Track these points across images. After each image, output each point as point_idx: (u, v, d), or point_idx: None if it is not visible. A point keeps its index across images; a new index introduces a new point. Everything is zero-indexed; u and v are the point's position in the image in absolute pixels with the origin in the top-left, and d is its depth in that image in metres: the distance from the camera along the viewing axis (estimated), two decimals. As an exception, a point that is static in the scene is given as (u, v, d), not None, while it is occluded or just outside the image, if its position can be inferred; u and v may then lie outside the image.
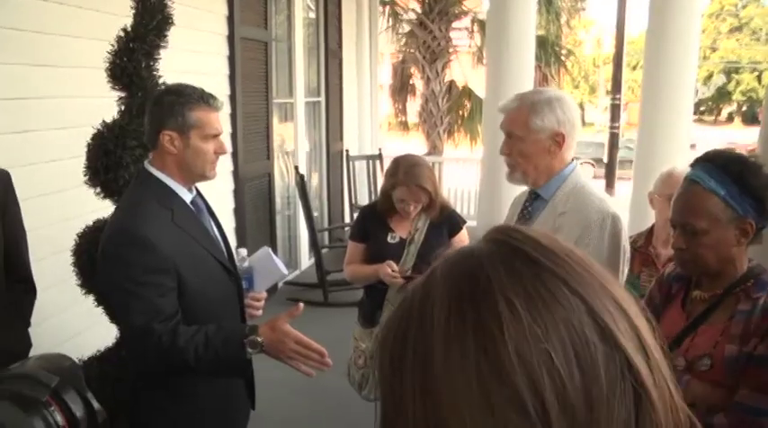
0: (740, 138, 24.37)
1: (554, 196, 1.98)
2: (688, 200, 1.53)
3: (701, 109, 37.45)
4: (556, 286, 0.48)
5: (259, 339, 1.73)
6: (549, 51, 10.79)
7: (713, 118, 39.09)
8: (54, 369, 0.74)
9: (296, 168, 6.24)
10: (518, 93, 2.06)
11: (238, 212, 5.25)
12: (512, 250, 0.50)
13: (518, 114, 1.96)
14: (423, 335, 0.49)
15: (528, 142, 1.95)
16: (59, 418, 0.70)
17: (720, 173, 1.49)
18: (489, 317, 0.46)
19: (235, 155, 5.12)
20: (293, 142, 6.58)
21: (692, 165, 1.57)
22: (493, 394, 0.45)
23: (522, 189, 2.18)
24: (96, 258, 2.20)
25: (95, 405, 0.73)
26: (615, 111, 11.71)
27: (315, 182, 7.36)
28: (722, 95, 37.50)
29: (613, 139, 11.76)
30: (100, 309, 2.58)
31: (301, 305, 1.82)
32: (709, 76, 36.05)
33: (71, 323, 3.08)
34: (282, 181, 6.49)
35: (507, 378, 0.45)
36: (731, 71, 36.19)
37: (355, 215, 3.26)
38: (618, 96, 11.48)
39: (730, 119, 39.14)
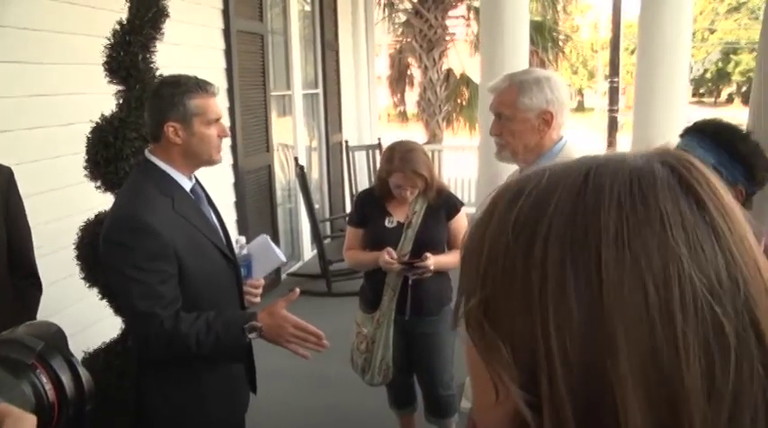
0: (740, 117, 24.21)
1: None
2: None
3: (701, 91, 37.26)
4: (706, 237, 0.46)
5: (258, 324, 1.79)
6: (546, 37, 10.74)
7: (713, 99, 38.91)
8: (40, 334, 0.76)
9: (296, 160, 6.26)
10: (507, 73, 2.09)
11: (239, 205, 5.27)
12: (687, 186, 0.47)
13: (507, 94, 2.00)
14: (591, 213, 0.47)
15: (516, 121, 1.98)
16: (45, 380, 0.72)
17: (710, 141, 1.52)
18: (655, 217, 0.45)
19: (234, 148, 5.14)
20: (292, 134, 6.60)
21: (682, 135, 1.60)
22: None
23: (513, 168, 2.21)
24: (99, 250, 2.24)
25: (81, 371, 0.76)
26: (613, 94, 11.70)
27: (315, 173, 7.39)
28: (722, 76, 37.27)
29: (612, 122, 11.77)
30: (105, 303, 2.61)
31: (297, 290, 1.89)
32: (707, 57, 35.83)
33: (77, 318, 3.11)
34: (283, 173, 6.51)
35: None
36: (730, 52, 35.91)
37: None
38: (616, 80, 11.45)
39: (730, 100, 38.84)
